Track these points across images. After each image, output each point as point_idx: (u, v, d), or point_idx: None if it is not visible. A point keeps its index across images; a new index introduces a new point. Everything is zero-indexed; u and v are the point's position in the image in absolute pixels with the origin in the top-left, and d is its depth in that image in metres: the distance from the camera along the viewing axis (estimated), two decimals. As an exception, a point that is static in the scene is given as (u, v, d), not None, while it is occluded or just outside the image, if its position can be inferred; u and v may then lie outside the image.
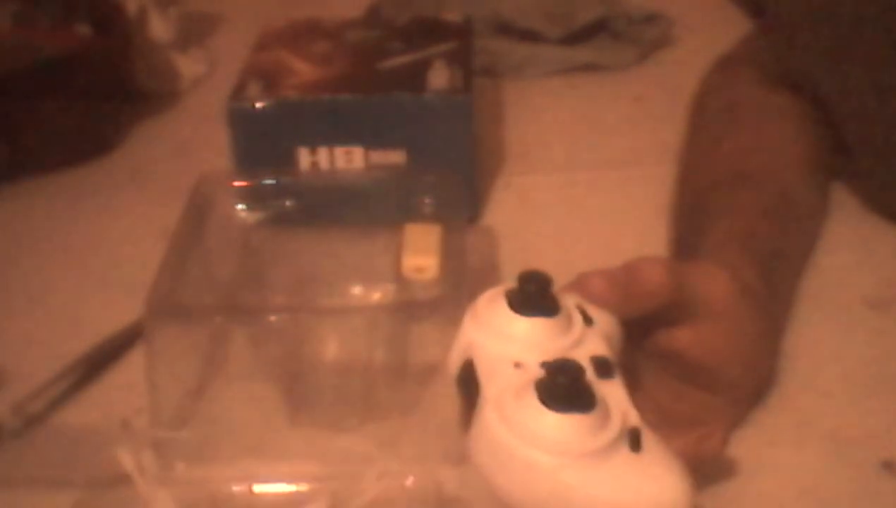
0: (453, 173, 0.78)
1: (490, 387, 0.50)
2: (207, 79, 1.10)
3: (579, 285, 0.56)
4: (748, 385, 0.63)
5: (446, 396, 0.54)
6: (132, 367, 0.69)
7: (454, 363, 0.54)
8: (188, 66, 1.10)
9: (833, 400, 0.66)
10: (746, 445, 0.61)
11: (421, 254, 0.71)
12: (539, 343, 0.52)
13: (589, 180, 0.92)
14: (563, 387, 0.48)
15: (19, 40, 0.99)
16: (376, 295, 0.74)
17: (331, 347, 0.69)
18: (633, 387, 0.59)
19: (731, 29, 0.96)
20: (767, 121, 0.82)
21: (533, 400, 0.48)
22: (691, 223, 0.73)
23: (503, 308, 0.53)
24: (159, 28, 1.07)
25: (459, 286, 0.67)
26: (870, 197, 0.82)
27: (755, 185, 0.74)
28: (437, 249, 0.71)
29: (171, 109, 1.06)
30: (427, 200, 0.76)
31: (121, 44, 1.01)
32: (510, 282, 0.54)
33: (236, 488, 0.59)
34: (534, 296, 0.53)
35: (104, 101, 0.98)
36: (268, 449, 0.61)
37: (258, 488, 0.59)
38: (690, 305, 0.58)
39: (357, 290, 0.75)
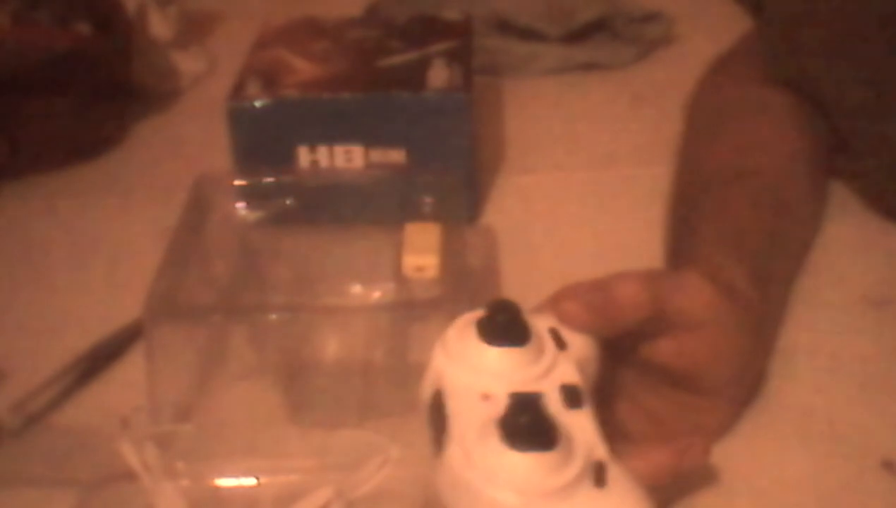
0: (453, 172, 0.78)
1: (457, 422, 0.50)
2: (207, 77, 1.10)
3: (554, 309, 0.56)
4: (737, 387, 0.63)
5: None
6: (132, 366, 0.69)
7: (425, 392, 0.53)
8: (188, 64, 1.10)
9: (832, 399, 0.66)
10: (746, 444, 0.61)
11: (421, 253, 0.71)
12: (508, 373, 0.52)
13: (589, 179, 0.92)
14: (525, 426, 0.47)
15: (19, 39, 0.99)
16: (376, 295, 0.74)
17: (330, 346, 0.69)
18: (623, 396, 0.59)
19: (732, 27, 0.95)
20: (764, 119, 0.82)
21: (495, 439, 0.48)
22: (685, 222, 0.73)
23: (472, 338, 0.53)
24: (159, 26, 1.07)
25: (459, 285, 0.67)
26: (868, 195, 0.82)
27: (749, 183, 0.74)
28: (437, 248, 0.71)
29: (170, 108, 1.06)
30: (427, 199, 0.76)
31: (120, 42, 1.01)
32: (481, 310, 0.54)
33: (240, 481, 0.59)
34: (503, 326, 0.53)
35: (104, 100, 0.98)
36: (267, 448, 0.61)
37: (262, 480, 0.59)
38: (670, 317, 0.58)
39: (357, 289, 0.75)
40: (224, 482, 0.59)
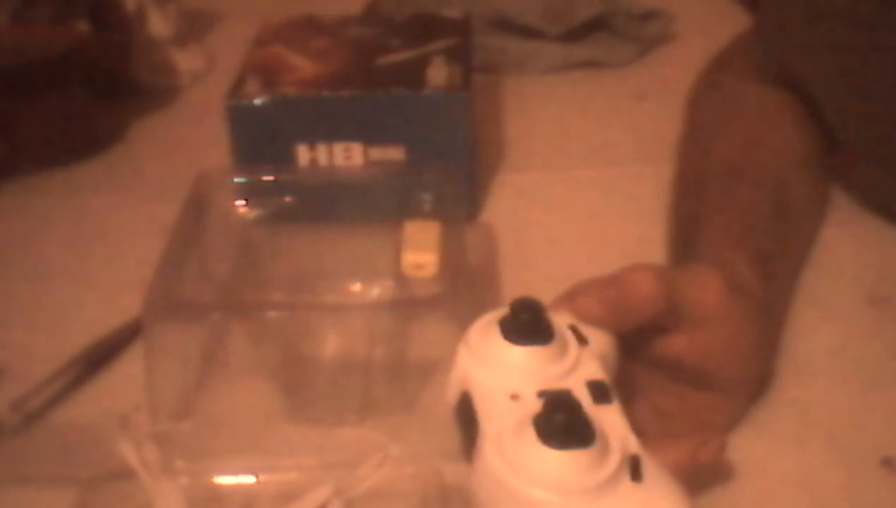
0: (452, 170, 0.78)
1: (489, 423, 0.50)
2: (206, 75, 1.10)
3: (570, 306, 0.56)
4: (746, 383, 0.63)
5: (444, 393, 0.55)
6: (131, 364, 0.69)
7: (451, 394, 0.53)
8: (187, 62, 1.10)
9: (832, 397, 0.66)
10: (746, 442, 0.61)
11: (420, 250, 0.71)
12: (535, 372, 0.52)
13: (588, 177, 0.92)
14: (562, 424, 0.47)
15: (18, 36, 0.99)
16: (375, 292, 0.74)
17: (330, 344, 0.69)
18: (632, 393, 0.59)
19: (731, 25, 0.96)
20: (763, 117, 0.82)
21: (532, 438, 0.48)
22: (688, 220, 0.73)
23: (497, 337, 0.53)
24: (158, 24, 1.07)
25: (458, 283, 0.67)
26: (863, 194, 0.82)
27: (752, 181, 0.74)
28: (436, 246, 0.71)
29: (169, 106, 1.06)
30: (426, 197, 0.76)
31: (120, 40, 1.01)
32: (503, 309, 0.54)
33: (239, 479, 0.59)
34: (527, 325, 0.53)
35: (103, 98, 0.98)
36: (266, 446, 0.61)
37: (261, 478, 0.59)
38: (682, 311, 0.58)
39: (356, 287, 0.75)
40: (223, 480, 0.59)
